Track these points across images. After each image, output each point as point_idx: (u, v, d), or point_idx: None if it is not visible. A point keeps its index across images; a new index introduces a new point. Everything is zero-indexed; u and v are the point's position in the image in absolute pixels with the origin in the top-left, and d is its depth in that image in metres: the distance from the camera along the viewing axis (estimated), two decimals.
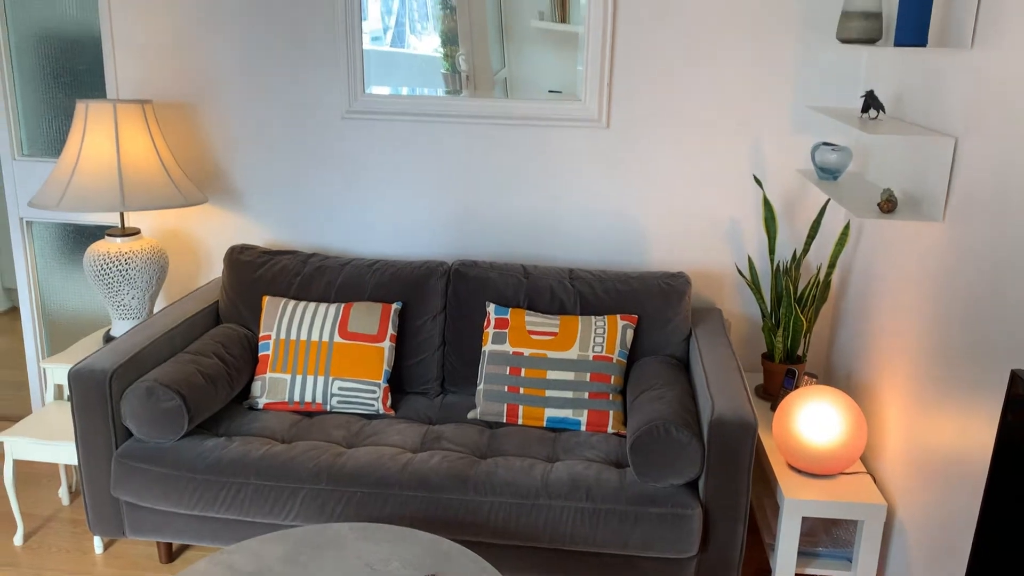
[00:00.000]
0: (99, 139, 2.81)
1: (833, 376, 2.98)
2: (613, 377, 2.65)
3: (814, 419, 2.32)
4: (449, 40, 3.01)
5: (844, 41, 2.40)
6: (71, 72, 3.25)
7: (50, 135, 3.33)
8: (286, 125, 3.13)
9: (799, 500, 2.25)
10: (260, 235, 3.25)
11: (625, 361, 2.70)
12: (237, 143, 3.17)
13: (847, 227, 2.71)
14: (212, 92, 3.13)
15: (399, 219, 3.17)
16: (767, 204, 2.82)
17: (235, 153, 3.18)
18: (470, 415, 2.71)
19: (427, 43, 3.01)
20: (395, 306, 2.83)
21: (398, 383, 2.88)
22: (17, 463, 2.73)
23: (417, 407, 2.78)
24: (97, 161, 2.79)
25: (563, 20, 2.95)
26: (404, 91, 3.06)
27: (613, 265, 3.11)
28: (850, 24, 2.36)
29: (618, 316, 2.74)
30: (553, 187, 3.06)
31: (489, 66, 3.02)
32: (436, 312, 2.86)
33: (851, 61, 2.82)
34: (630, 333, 2.72)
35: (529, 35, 2.96)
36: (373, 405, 2.72)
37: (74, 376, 2.41)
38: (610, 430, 2.61)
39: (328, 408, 2.73)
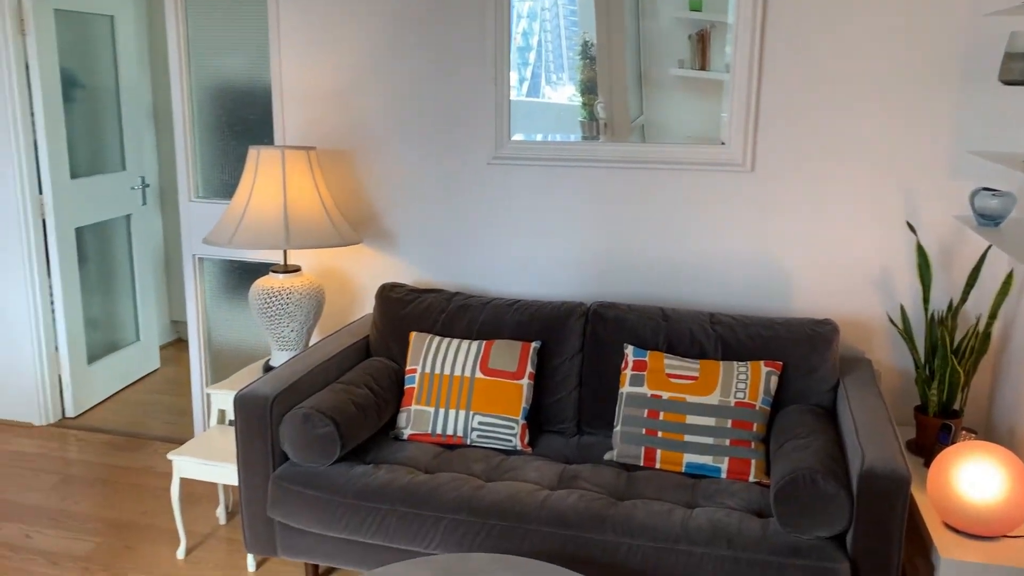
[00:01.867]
0: (268, 182, 3.04)
1: (994, 432, 2.81)
2: (756, 424, 2.60)
3: (975, 476, 2.19)
4: (588, 89, 3.09)
5: (1007, 83, 2.32)
6: (243, 121, 3.54)
7: (223, 179, 3.62)
8: (435, 171, 3.28)
9: (957, 561, 2.13)
10: (408, 274, 3.40)
11: (768, 409, 2.64)
12: (390, 187, 3.35)
13: (1010, 275, 2.58)
14: (369, 140, 3.33)
15: (539, 260, 3.25)
16: (921, 251, 2.72)
17: (387, 197, 3.36)
18: (607, 456, 2.72)
19: (561, 92, 3.10)
20: (534, 345, 2.89)
21: (536, 421, 2.92)
22: (182, 482, 2.94)
23: (554, 445, 2.82)
24: (266, 202, 3.02)
25: (703, 68, 2.98)
26: (539, 138, 3.15)
27: (755, 310, 3.06)
28: (1013, 65, 2.28)
29: (762, 362, 2.69)
30: (692, 230, 3.06)
31: (627, 113, 3.08)
32: (574, 352, 2.91)
33: (1014, 103, 2.70)
34: (774, 380, 2.67)
35: (667, 83, 3.01)
36: (511, 441, 2.78)
37: (239, 400, 2.59)
38: (752, 479, 2.56)
39: (468, 441, 2.80)
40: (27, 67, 3.82)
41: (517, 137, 3.18)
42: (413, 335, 2.99)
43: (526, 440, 2.79)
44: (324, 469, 2.56)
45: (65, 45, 4.02)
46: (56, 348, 4.13)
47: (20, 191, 3.88)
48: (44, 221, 4.00)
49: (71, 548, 3.02)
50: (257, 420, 2.58)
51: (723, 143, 2.98)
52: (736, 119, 2.94)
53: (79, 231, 4.21)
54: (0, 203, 3.90)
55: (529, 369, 2.84)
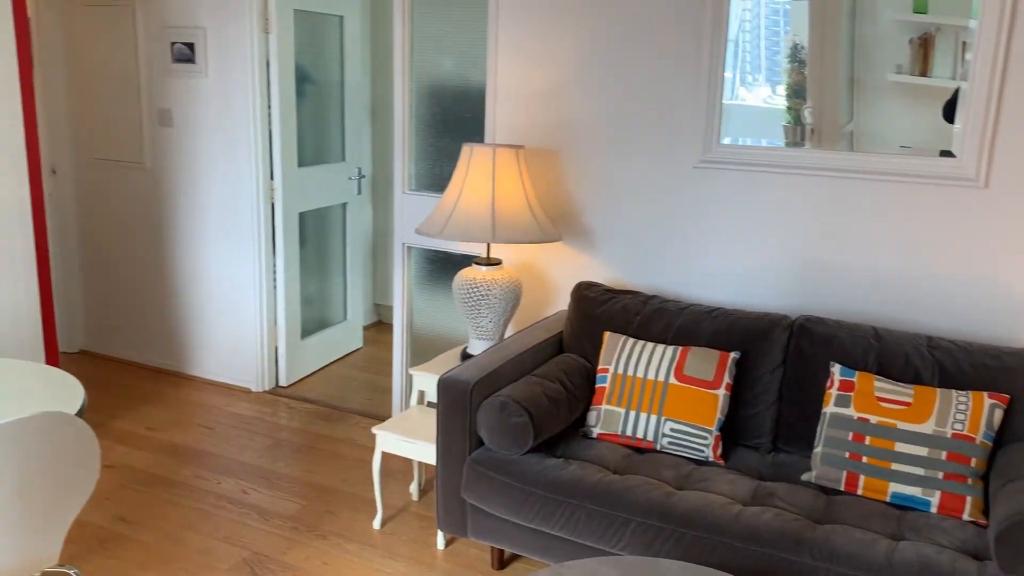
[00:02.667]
0: (479, 178, 3.16)
1: None
2: (974, 460, 2.42)
3: None
4: (795, 93, 2.97)
5: None
6: (457, 119, 3.69)
7: (434, 173, 3.80)
8: (638, 173, 3.28)
9: None
10: (604, 273, 3.43)
11: (991, 444, 2.44)
12: (592, 187, 3.38)
13: None
14: (575, 140, 3.38)
15: (741, 268, 3.17)
16: None
17: (589, 196, 3.40)
18: (804, 477, 2.61)
19: (756, 94, 3.01)
20: (733, 355, 2.83)
21: (730, 433, 2.86)
22: (383, 456, 3.14)
23: (747, 460, 2.75)
24: (475, 197, 3.14)
25: (924, 73, 2.79)
26: (748, 143, 3.07)
27: (978, 337, 2.84)
28: None
29: (985, 394, 2.49)
30: (909, 246, 2.88)
31: (837, 119, 2.94)
32: (775, 366, 2.82)
33: None
34: (999, 414, 2.46)
35: (882, 89, 2.84)
36: (703, 451, 2.74)
37: (443, 383, 2.72)
38: (966, 516, 2.37)
39: (658, 447, 2.79)
40: (268, 63, 4.18)
41: (725, 141, 3.12)
42: (607, 335, 3.01)
43: (719, 452, 2.74)
44: (517, 458, 2.63)
45: (300, 43, 4.37)
46: (275, 322, 4.50)
47: (256, 177, 4.25)
48: (273, 205, 4.36)
49: (280, 507, 3.29)
50: (458, 404, 2.70)
51: (951, 155, 2.78)
52: (971, 130, 2.73)
53: (301, 216, 4.56)
54: (239, 186, 4.30)
55: (726, 379, 2.78)
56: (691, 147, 3.18)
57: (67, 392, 2.19)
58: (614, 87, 3.27)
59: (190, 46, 4.22)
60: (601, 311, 3.10)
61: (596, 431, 2.86)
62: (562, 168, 3.44)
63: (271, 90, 4.22)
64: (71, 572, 2.16)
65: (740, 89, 3.07)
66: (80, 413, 2.05)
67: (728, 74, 3.08)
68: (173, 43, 4.27)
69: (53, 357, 3.74)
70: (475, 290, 3.23)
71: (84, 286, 4.90)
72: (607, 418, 2.85)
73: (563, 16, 3.32)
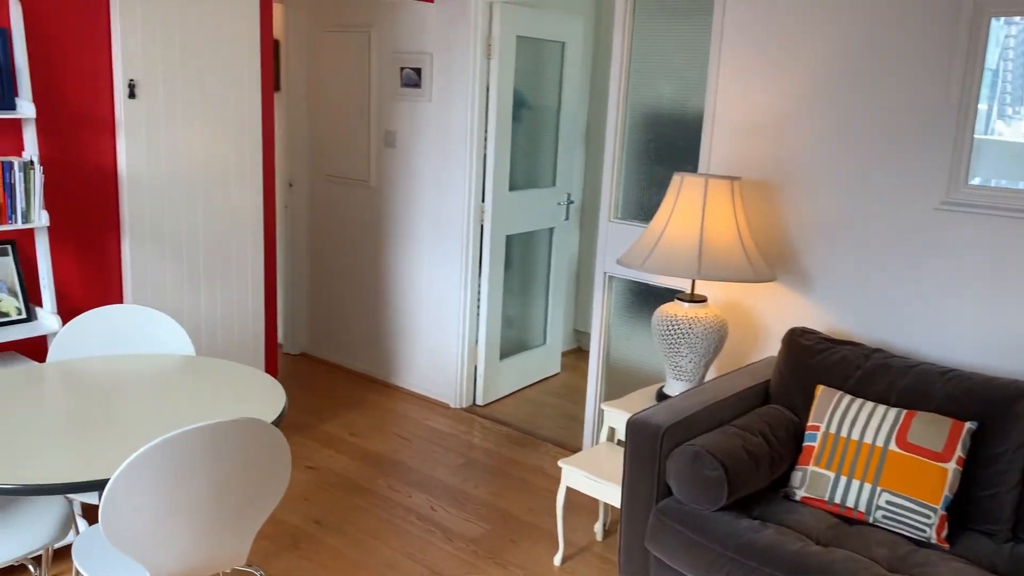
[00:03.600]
0: (687, 209, 3.00)
1: None
2: None
3: None
4: None
5: None
6: (670, 147, 3.56)
7: (642, 202, 3.68)
8: (868, 212, 2.98)
9: None
10: (821, 320, 3.14)
11: None
12: (813, 225, 3.12)
13: None
14: (796, 173, 3.14)
15: (986, 327, 2.78)
16: None
17: (809, 235, 3.14)
18: None
19: (1017, 129, 2.63)
20: (968, 425, 2.47)
21: (958, 513, 2.50)
22: (568, 490, 3.07)
23: (978, 548, 2.38)
24: (682, 230, 2.99)
25: None
26: (985, 183, 2.68)
27: None
28: None
29: None
30: None
31: None
32: (1020, 443, 2.43)
33: None
34: None
35: None
36: (925, 531, 2.40)
37: (631, 425, 2.59)
38: None
39: (871, 520, 2.49)
40: (488, 88, 4.27)
41: (974, 181, 2.76)
42: (820, 389, 2.74)
43: (943, 534, 2.40)
44: (708, 514, 2.45)
45: (520, 68, 4.42)
46: (476, 341, 4.56)
47: (467, 198, 4.34)
48: (482, 227, 4.43)
49: (465, 529, 3.29)
50: (647, 448, 2.55)
51: None
52: None
53: (509, 238, 4.60)
54: (451, 207, 4.41)
55: (959, 453, 2.43)
56: (933, 187, 2.84)
57: (272, 398, 2.30)
58: (845, 118, 3.00)
59: (417, 71, 4.40)
60: (816, 361, 2.84)
61: (800, 494, 2.60)
62: (781, 203, 3.21)
63: (489, 114, 4.30)
64: (257, 573, 2.25)
65: (997, 123, 2.71)
66: (278, 421, 2.13)
67: (983, 106, 2.72)
68: (402, 68, 4.47)
69: (272, 358, 4.01)
70: (676, 327, 3.08)
71: (310, 292, 5.24)
72: (814, 481, 2.58)
73: (792, 42, 3.09)
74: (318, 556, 3.04)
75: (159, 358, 2.64)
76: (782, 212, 3.21)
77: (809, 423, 2.69)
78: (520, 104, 4.50)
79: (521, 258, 4.80)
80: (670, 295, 3.64)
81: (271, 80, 3.73)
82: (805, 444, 2.66)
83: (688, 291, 3.40)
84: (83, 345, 2.74)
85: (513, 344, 4.83)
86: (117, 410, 2.18)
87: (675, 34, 3.49)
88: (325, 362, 5.18)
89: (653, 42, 3.56)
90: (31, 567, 2.34)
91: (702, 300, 3.14)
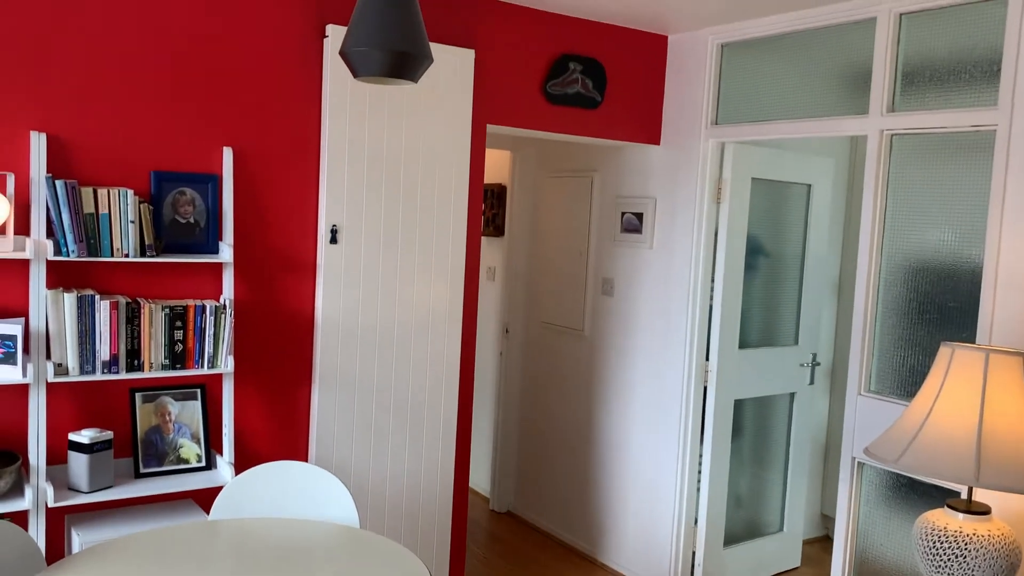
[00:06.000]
0: (961, 392, 2.31)
1: None
2: None
3: None
4: None
5: None
6: (938, 308, 2.87)
7: (901, 374, 2.98)
8: None
9: None
10: None
11: None
12: None
13: None
14: None
15: None
16: None
17: None
18: None
19: None
20: None
21: None
22: None
23: None
24: (953, 419, 2.29)
25: None
26: None
27: None
28: None
29: None
30: None
31: None
32: None
33: None
34: None
35: None
36: None
37: None
38: None
39: None
40: (716, 234, 3.82)
41: None
42: None
43: None
44: None
45: (756, 212, 3.94)
46: (695, 521, 3.92)
47: (688, 355, 3.84)
48: (705, 388, 3.88)
49: None
50: None
51: None
52: None
53: (738, 403, 4.00)
54: (669, 363, 3.93)
55: None
56: None
57: None
58: None
59: (639, 216, 4.07)
60: None
61: None
62: None
63: (716, 262, 3.83)
64: None
65: None
66: None
67: None
68: (623, 213, 4.17)
69: (461, 517, 3.66)
70: (944, 544, 2.32)
71: (520, 446, 4.91)
72: None
73: None
74: None
75: (317, 527, 2.38)
76: None
77: None
78: (755, 251, 3.99)
79: (754, 427, 4.14)
80: (938, 497, 2.85)
81: (478, 227, 3.56)
82: None
83: (964, 496, 2.62)
84: (248, 501, 2.57)
85: (742, 528, 4.12)
86: None
87: (942, 174, 2.87)
88: (529, 525, 4.75)
89: (914, 183, 2.95)
90: None
91: (984, 512, 2.37)
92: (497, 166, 5.06)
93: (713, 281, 3.85)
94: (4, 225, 2.55)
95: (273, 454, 3.17)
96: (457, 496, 3.62)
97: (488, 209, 5.06)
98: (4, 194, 2.53)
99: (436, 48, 3.30)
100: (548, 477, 4.68)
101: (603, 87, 3.79)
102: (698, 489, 3.92)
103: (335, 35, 3.09)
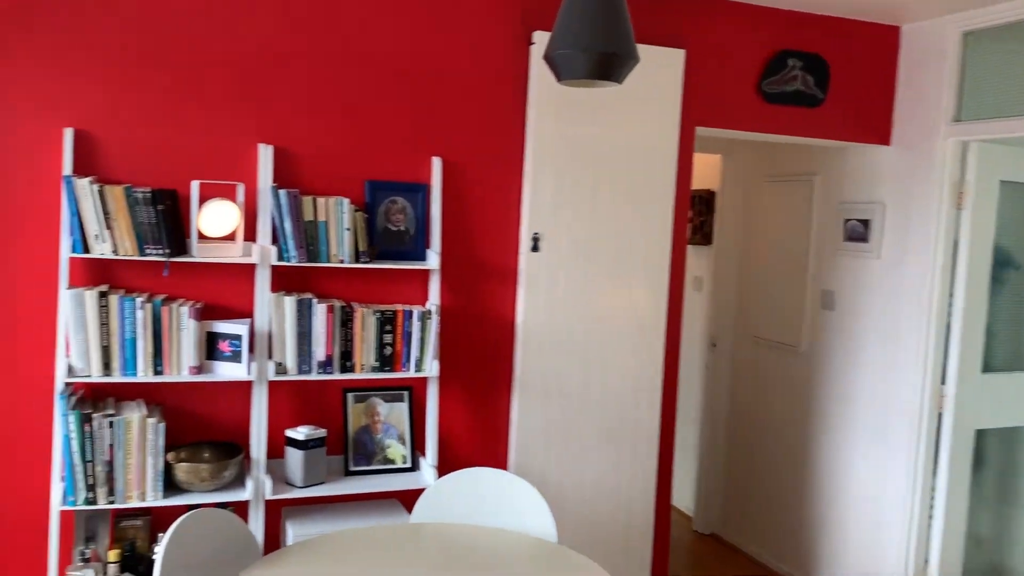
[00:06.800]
0: None
1: None
2: None
3: None
4: None
5: None
6: None
7: None
8: None
9: None
10: None
11: None
12: None
13: None
14: None
15: None
16: None
17: None
18: None
19: None
20: None
21: None
22: None
23: None
24: None
25: None
26: None
27: None
28: None
29: None
30: None
31: None
32: None
33: None
34: None
35: None
36: None
37: None
38: None
39: None
40: (955, 244, 3.42)
41: None
42: None
43: None
44: None
45: (1003, 220, 3.48)
46: (926, 561, 3.53)
47: (921, 378, 3.46)
48: (940, 415, 3.48)
49: None
50: None
51: None
52: None
53: (980, 433, 3.55)
54: (898, 387, 3.56)
55: None
56: None
57: None
58: None
59: (864, 223, 3.73)
60: None
61: None
62: None
63: (956, 275, 3.43)
64: None
65: None
66: None
67: None
68: (847, 220, 3.84)
69: (663, 539, 3.51)
70: None
71: (726, 465, 4.67)
72: None
73: None
74: None
75: (516, 539, 2.35)
76: None
77: None
78: (1003, 263, 3.53)
79: (1000, 460, 3.66)
80: None
81: (684, 234, 3.41)
82: None
83: None
84: (448, 505, 2.59)
85: (983, 573, 3.65)
86: None
87: None
88: (735, 549, 4.50)
89: None
90: None
91: None
92: (705, 171, 4.86)
93: (952, 296, 3.44)
94: (235, 232, 2.74)
95: (473, 458, 3.19)
96: (659, 515, 3.48)
97: (695, 216, 4.87)
98: (235, 202, 2.72)
99: (644, 49, 3.20)
100: (757, 500, 4.41)
101: (826, 84, 3.51)
102: (930, 526, 3.52)
103: (541, 42, 3.07)
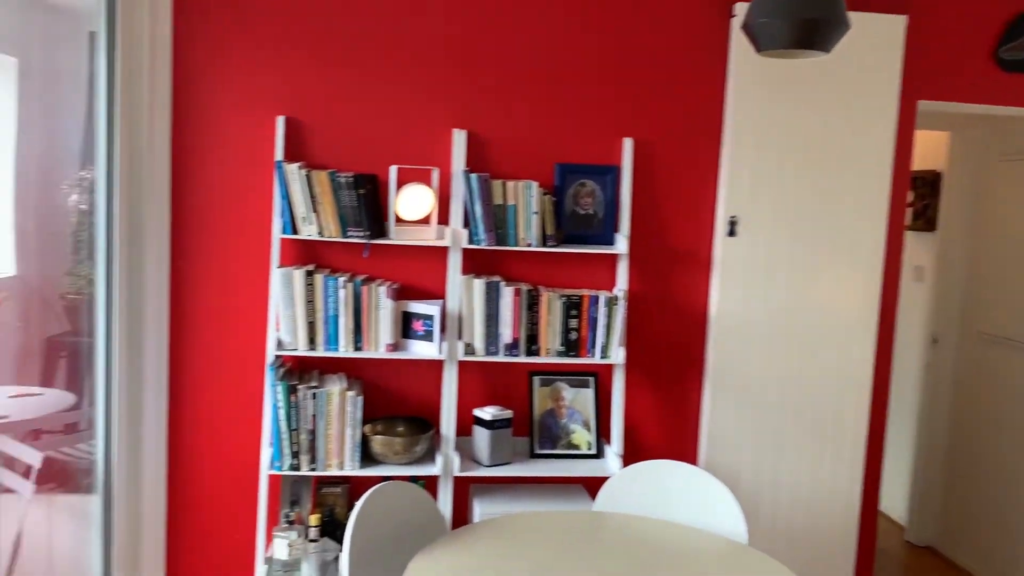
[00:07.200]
0: None
1: None
2: None
3: None
4: None
5: None
6: None
7: None
8: None
9: None
10: None
11: None
12: None
13: None
14: None
15: None
16: None
17: None
18: None
19: None
20: None
21: None
22: None
23: None
24: None
25: None
26: None
27: None
28: None
29: None
30: None
31: None
32: None
33: None
34: None
35: None
36: None
37: None
38: None
39: None
40: None
41: None
42: None
43: None
44: None
45: None
46: None
47: None
48: None
49: None
50: None
51: None
52: None
53: None
54: None
55: None
56: None
57: None
58: None
59: None
60: None
61: None
62: None
63: None
64: None
65: None
66: None
67: None
68: None
69: (868, 548, 3.24)
70: None
71: (946, 470, 4.25)
72: None
73: None
74: None
75: (704, 538, 2.25)
76: None
77: None
78: None
79: None
80: None
81: (902, 219, 3.10)
82: None
83: None
84: (632, 495, 2.54)
85: None
86: None
87: None
88: (953, 565, 4.09)
89: None
90: None
91: None
92: (929, 150, 4.41)
93: None
94: (429, 215, 2.81)
95: (659, 450, 3.09)
96: (864, 522, 3.22)
97: (917, 200, 4.44)
98: (430, 186, 2.79)
99: (857, 17, 2.93)
100: (982, 511, 3.97)
101: None
102: None
103: (743, 13, 2.90)
